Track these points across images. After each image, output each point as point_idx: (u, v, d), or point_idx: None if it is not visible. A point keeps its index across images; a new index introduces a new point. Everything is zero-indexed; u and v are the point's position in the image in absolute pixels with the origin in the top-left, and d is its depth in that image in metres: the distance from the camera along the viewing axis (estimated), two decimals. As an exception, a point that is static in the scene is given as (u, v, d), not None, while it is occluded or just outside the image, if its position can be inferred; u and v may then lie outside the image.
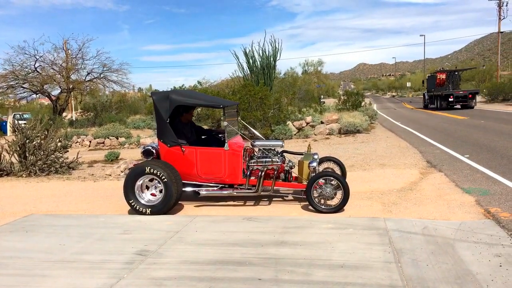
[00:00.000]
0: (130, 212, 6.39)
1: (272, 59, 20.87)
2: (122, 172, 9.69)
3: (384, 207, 6.23)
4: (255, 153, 6.85)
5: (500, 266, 3.93)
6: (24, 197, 7.78)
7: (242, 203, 6.77)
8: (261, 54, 20.80)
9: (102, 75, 30.52)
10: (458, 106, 31.98)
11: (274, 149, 6.79)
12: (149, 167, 6.12)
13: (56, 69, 28.95)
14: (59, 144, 10.78)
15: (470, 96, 32.15)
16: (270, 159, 6.55)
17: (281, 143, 6.93)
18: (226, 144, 6.42)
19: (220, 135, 7.58)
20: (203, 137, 7.56)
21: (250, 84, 18.11)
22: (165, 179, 6.03)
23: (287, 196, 7.06)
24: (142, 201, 6.21)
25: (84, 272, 4.09)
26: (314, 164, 6.40)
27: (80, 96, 34.93)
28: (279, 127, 16.12)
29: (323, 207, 6.06)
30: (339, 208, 6.01)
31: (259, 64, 20.82)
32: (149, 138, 16.89)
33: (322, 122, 18.39)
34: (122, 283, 3.80)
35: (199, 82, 32.86)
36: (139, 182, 6.21)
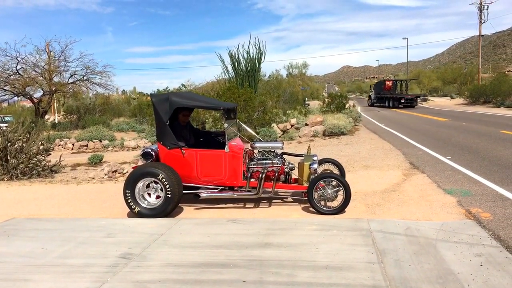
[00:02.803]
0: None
1: (256, 61, 20.91)
2: (105, 175, 9.61)
3: (368, 208, 6.29)
4: (255, 155, 6.83)
5: (481, 265, 4.00)
6: (6, 200, 7.66)
7: (242, 205, 6.73)
8: (246, 57, 20.83)
9: (85, 78, 30.26)
10: (401, 106, 42.64)
11: (274, 151, 6.78)
12: (151, 170, 6.05)
13: (38, 71, 28.61)
14: (41, 147, 10.65)
15: (415, 98, 44.52)
16: (271, 161, 6.53)
17: (281, 145, 6.92)
18: (226, 146, 6.37)
19: (218, 137, 7.56)
20: (201, 139, 7.50)
21: (234, 86, 18.10)
22: (166, 182, 5.96)
23: (287, 198, 7.05)
24: (143, 204, 6.11)
25: (67, 276, 4.05)
26: (315, 165, 6.38)
27: (63, 98, 34.54)
28: (263, 129, 16.15)
29: (325, 208, 6.04)
30: (341, 210, 6.00)
31: (244, 66, 20.84)
32: (133, 141, 16.78)
33: (306, 124, 18.47)
34: (106, 286, 3.77)
35: (183, 85, 32.80)
36: (139, 184, 6.10)
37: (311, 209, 6.18)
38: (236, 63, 20.85)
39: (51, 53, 29.43)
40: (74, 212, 6.76)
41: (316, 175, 6.31)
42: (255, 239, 4.93)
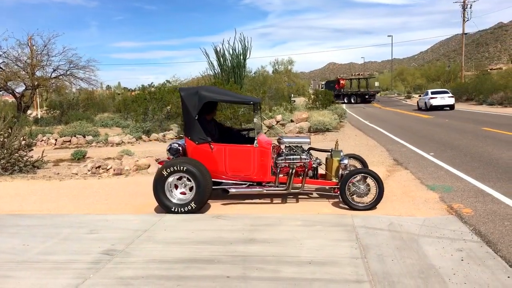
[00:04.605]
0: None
1: (242, 57, 20.88)
2: (89, 171, 9.51)
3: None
4: (282, 150, 6.74)
5: (462, 260, 4.06)
6: (-14, 197, 7.53)
7: (269, 201, 6.69)
8: (231, 52, 20.78)
9: (68, 72, 29.77)
10: (356, 100, 50.52)
11: (301, 146, 6.73)
12: (181, 166, 5.94)
13: (21, 65, 28.08)
14: (23, 142, 10.49)
15: (375, 95, 52.73)
16: (299, 156, 6.44)
17: (308, 140, 6.89)
18: (255, 141, 6.31)
19: (243, 133, 7.56)
20: (225, 134, 7.34)
21: (219, 82, 18.07)
22: (198, 177, 5.89)
23: (312, 194, 7.00)
24: (174, 200, 6.02)
25: (49, 272, 4.00)
26: (346, 161, 6.36)
27: (46, 93, 34.04)
28: (249, 125, 16.14)
29: (360, 205, 5.99)
30: (374, 205, 5.97)
31: (229, 62, 20.79)
32: (117, 137, 16.64)
33: (292, 121, 18.54)
34: (88, 283, 3.74)
35: (168, 81, 32.60)
36: (170, 179, 6.00)
37: (341, 204, 6.16)
38: (221, 59, 20.80)
39: (34, 47, 28.93)
40: (56, 208, 6.68)
41: (346, 170, 6.30)
42: (239, 235, 4.93)
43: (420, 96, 36.18)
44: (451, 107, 30.88)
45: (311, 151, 6.93)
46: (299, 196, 6.85)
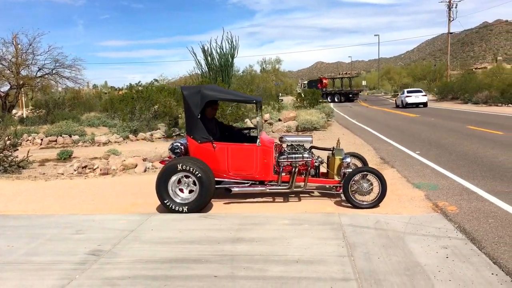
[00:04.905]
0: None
1: (229, 56, 20.81)
2: (75, 171, 9.43)
3: (339, 203, 6.35)
4: (284, 149, 6.74)
5: (447, 257, 4.11)
6: (-30, 197, 7.43)
7: (271, 200, 6.67)
8: (219, 51, 20.69)
9: (54, 71, 29.42)
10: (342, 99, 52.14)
11: (303, 145, 6.73)
12: (184, 165, 5.88)
13: (5, 64, 27.69)
14: (8, 142, 10.36)
15: (358, 93, 55.56)
16: (301, 155, 6.46)
17: (310, 138, 6.91)
18: (258, 140, 6.29)
19: (244, 131, 7.58)
20: (226, 133, 7.36)
21: (206, 81, 18.01)
22: (201, 177, 5.84)
23: (313, 192, 7.01)
24: (177, 200, 5.96)
25: (34, 273, 3.96)
26: (348, 159, 6.37)
27: (31, 92, 33.64)
28: (237, 125, 16.13)
29: (365, 203, 6.00)
30: (377, 203, 5.98)
31: (217, 61, 20.70)
32: (104, 136, 16.50)
33: (279, 120, 18.57)
34: (74, 284, 3.71)
35: (156, 80, 32.44)
36: (174, 178, 5.93)
37: (343, 203, 6.18)
38: (209, 58, 20.69)
39: (19, 45, 28.55)
40: (42, 208, 6.61)
41: (349, 169, 6.31)
42: (227, 234, 4.93)
43: (398, 95, 40.07)
44: (424, 104, 33.92)
45: (313, 150, 6.95)
46: (301, 195, 6.86)
